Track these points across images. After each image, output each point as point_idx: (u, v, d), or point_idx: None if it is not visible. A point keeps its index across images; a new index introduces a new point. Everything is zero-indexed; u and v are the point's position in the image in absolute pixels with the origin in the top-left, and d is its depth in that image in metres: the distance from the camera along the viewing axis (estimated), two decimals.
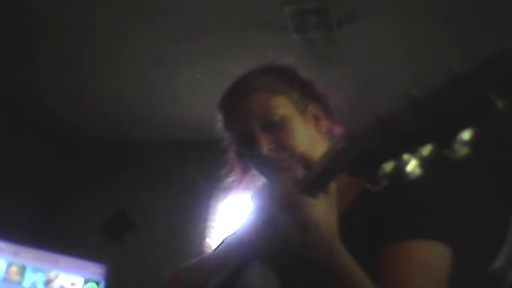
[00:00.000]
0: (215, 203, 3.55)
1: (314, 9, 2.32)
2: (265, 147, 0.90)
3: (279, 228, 0.53)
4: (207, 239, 3.40)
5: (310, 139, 0.93)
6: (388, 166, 0.43)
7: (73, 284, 2.94)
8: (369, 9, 2.33)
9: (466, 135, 0.38)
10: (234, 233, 1.07)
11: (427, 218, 0.79)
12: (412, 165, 0.42)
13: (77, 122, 3.76)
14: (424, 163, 0.41)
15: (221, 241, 1.11)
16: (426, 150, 0.40)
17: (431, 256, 0.75)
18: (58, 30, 2.75)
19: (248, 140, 0.94)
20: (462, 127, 0.37)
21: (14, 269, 2.81)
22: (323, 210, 0.53)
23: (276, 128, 0.92)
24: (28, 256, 2.88)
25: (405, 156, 0.42)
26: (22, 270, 2.83)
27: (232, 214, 3.44)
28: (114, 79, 3.18)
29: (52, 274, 2.91)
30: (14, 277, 2.80)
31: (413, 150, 0.41)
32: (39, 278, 2.87)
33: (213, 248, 1.13)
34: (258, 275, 0.78)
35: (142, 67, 3.01)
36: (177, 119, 3.53)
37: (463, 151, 0.38)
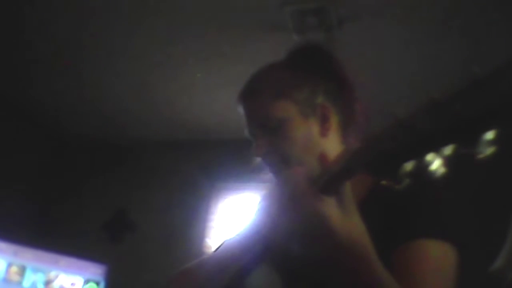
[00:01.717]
0: (215, 203, 3.55)
1: (314, 9, 2.32)
2: (261, 150, 0.93)
3: (287, 219, 0.53)
4: (207, 239, 3.40)
5: (308, 144, 0.93)
6: (409, 165, 0.43)
7: (73, 284, 2.94)
8: (369, 9, 2.33)
9: (490, 134, 0.38)
10: (234, 236, 1.07)
11: (439, 219, 0.80)
12: (436, 164, 0.42)
13: (77, 122, 3.76)
14: (448, 162, 0.41)
15: (220, 243, 1.11)
16: (449, 149, 0.40)
17: (444, 256, 0.77)
18: (58, 30, 2.75)
19: (253, 139, 0.97)
20: (486, 129, 0.37)
21: (14, 269, 2.81)
22: (333, 208, 0.53)
23: (274, 133, 0.93)
24: (28, 256, 2.88)
25: (429, 156, 0.41)
26: (22, 270, 2.83)
27: (232, 214, 3.44)
28: (114, 79, 3.18)
29: (52, 274, 2.91)
30: (14, 277, 2.80)
31: (436, 149, 0.41)
32: (39, 278, 2.87)
33: (213, 249, 1.12)
34: (263, 277, 0.78)
35: (142, 67, 3.01)
36: (177, 119, 3.53)
37: (488, 150, 0.38)
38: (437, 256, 0.76)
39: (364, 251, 0.54)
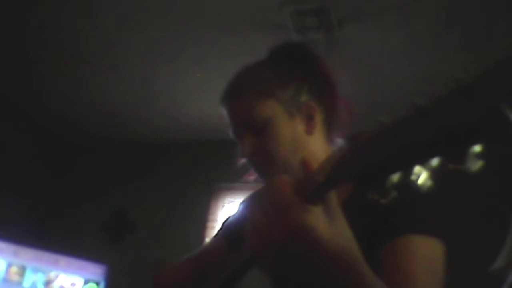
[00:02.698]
0: (215, 203, 3.55)
1: (314, 9, 2.32)
2: (248, 150, 0.93)
3: (271, 230, 0.52)
4: (207, 239, 3.40)
5: (295, 143, 0.93)
6: (395, 177, 0.42)
7: (73, 284, 2.94)
8: (369, 9, 2.33)
9: (477, 147, 0.36)
10: (234, 216, 1.08)
11: (425, 215, 0.80)
12: (423, 177, 0.41)
13: (77, 122, 3.76)
14: (434, 174, 0.40)
15: (221, 226, 1.12)
16: (436, 162, 0.39)
17: (432, 251, 0.77)
18: (59, 30, 2.75)
19: (238, 140, 0.97)
20: (472, 142, 0.36)
21: (14, 269, 2.81)
22: (320, 218, 0.51)
23: (259, 133, 0.93)
24: (28, 256, 2.88)
25: (416, 168, 0.40)
26: (22, 270, 2.83)
27: (232, 214, 3.44)
28: (114, 79, 3.18)
29: (52, 274, 2.91)
30: (14, 277, 2.80)
31: (423, 162, 0.40)
32: (39, 278, 2.87)
33: (214, 235, 1.14)
34: (254, 277, 0.78)
35: (142, 68, 3.02)
36: (177, 119, 3.53)
37: (476, 165, 0.37)
38: (425, 251, 0.76)
39: (351, 258, 0.53)
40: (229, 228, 1.06)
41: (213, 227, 3.47)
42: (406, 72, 2.73)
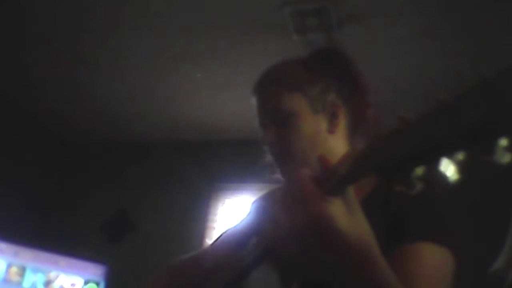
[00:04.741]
0: (215, 203, 3.55)
1: (314, 10, 2.32)
2: (267, 139, 0.95)
3: (292, 223, 0.53)
4: (207, 240, 3.40)
5: (314, 139, 0.94)
6: (420, 170, 0.42)
7: (73, 284, 2.94)
8: (369, 10, 2.33)
9: (503, 141, 0.36)
10: (234, 226, 1.08)
11: (438, 223, 0.80)
12: (449, 170, 0.41)
13: (77, 122, 3.76)
14: (462, 167, 0.40)
15: (220, 235, 1.12)
16: (462, 155, 0.39)
17: (441, 261, 0.77)
18: (59, 30, 2.75)
19: (261, 129, 0.99)
20: (498, 135, 0.36)
21: (14, 269, 2.81)
22: (340, 209, 0.53)
23: (283, 124, 0.95)
24: (28, 256, 2.88)
25: (442, 161, 0.40)
26: (22, 270, 2.83)
27: (232, 214, 3.44)
28: (114, 80, 3.18)
29: (52, 274, 2.91)
30: (14, 277, 2.80)
31: (448, 155, 0.40)
32: (39, 278, 2.87)
33: (212, 241, 1.14)
34: (261, 278, 0.78)
35: (142, 68, 3.01)
36: (177, 119, 3.53)
37: (505, 158, 0.37)
38: (434, 260, 0.75)
39: (368, 250, 0.54)
40: (240, 230, 1.06)
41: (213, 227, 3.48)
42: (406, 72, 2.73)
